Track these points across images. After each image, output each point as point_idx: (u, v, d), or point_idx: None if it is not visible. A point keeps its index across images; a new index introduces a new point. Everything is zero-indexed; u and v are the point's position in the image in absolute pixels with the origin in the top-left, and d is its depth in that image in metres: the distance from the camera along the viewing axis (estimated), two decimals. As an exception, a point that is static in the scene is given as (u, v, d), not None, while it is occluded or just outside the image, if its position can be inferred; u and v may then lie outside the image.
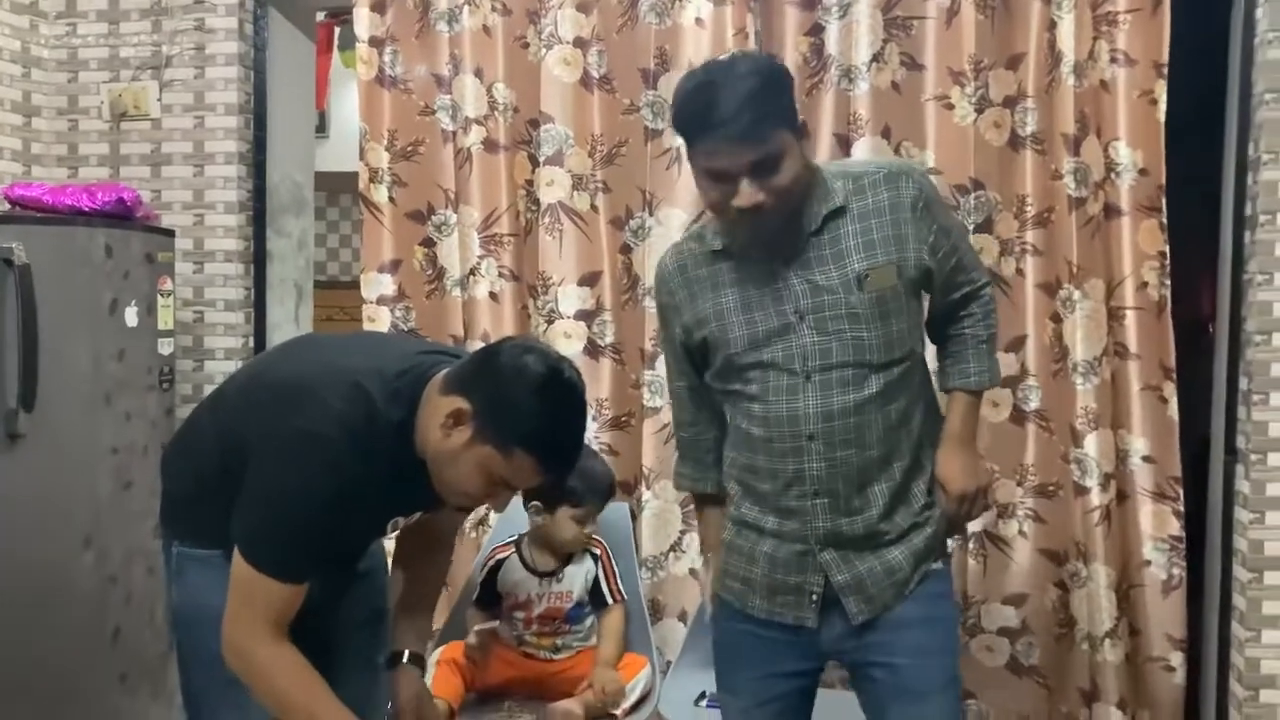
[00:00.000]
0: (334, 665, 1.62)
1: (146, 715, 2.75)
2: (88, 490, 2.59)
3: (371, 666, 1.81)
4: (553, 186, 2.84)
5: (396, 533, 1.79)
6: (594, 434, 2.78)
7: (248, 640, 1.52)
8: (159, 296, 2.78)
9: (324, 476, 1.47)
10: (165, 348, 2.82)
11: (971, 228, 2.68)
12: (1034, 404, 2.68)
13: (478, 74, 2.88)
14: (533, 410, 1.48)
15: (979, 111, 2.66)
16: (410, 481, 1.56)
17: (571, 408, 1.55)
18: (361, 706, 1.61)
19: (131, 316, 2.69)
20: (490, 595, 2.48)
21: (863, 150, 2.71)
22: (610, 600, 2.47)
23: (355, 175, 2.97)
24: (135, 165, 3.16)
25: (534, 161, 2.86)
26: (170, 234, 2.92)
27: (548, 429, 1.50)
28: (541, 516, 2.45)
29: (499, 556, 2.51)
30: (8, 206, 2.68)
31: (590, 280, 2.85)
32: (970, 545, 2.69)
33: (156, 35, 3.14)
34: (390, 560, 1.88)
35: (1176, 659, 2.60)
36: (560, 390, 1.51)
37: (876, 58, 2.71)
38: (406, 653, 1.78)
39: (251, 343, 3.13)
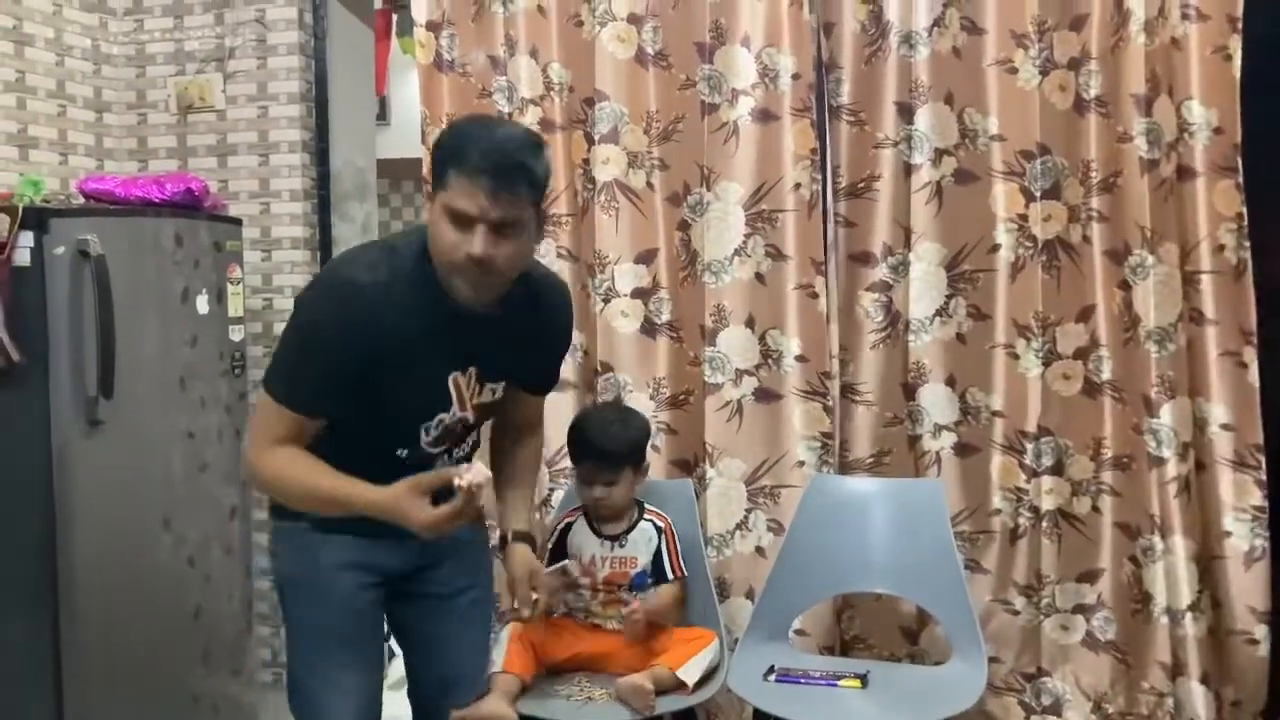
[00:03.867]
0: (440, 635, 1.90)
1: (226, 691, 2.83)
2: (165, 474, 2.66)
3: (475, 638, 1.95)
4: (608, 164, 2.83)
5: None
6: (652, 413, 2.78)
7: (257, 457, 1.69)
8: (228, 284, 2.83)
9: (333, 308, 1.63)
10: (236, 334, 2.89)
11: (1038, 194, 2.63)
12: (1106, 375, 2.61)
13: (533, 54, 2.88)
14: (450, 138, 1.63)
15: (1043, 75, 2.60)
16: (445, 334, 1.66)
17: (481, 123, 1.73)
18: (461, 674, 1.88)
19: (202, 304, 2.75)
20: (558, 559, 2.50)
21: (925, 118, 2.66)
22: (670, 575, 2.47)
23: (417, 161, 2.99)
24: (202, 156, 3.23)
25: (590, 140, 2.85)
26: (238, 222, 2.98)
27: (462, 142, 1.59)
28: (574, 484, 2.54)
29: (567, 520, 2.53)
30: (82, 200, 2.75)
31: (646, 258, 2.85)
32: (1044, 523, 2.64)
33: (219, 28, 3.20)
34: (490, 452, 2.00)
35: (1260, 632, 2.53)
36: (473, 117, 1.70)
37: (937, 23, 2.66)
38: (511, 532, 1.87)
39: (319, 328, 3.18)
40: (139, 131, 3.29)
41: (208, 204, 2.83)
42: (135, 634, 2.59)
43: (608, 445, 2.48)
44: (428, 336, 1.65)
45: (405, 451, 1.75)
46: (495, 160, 1.55)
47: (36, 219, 2.44)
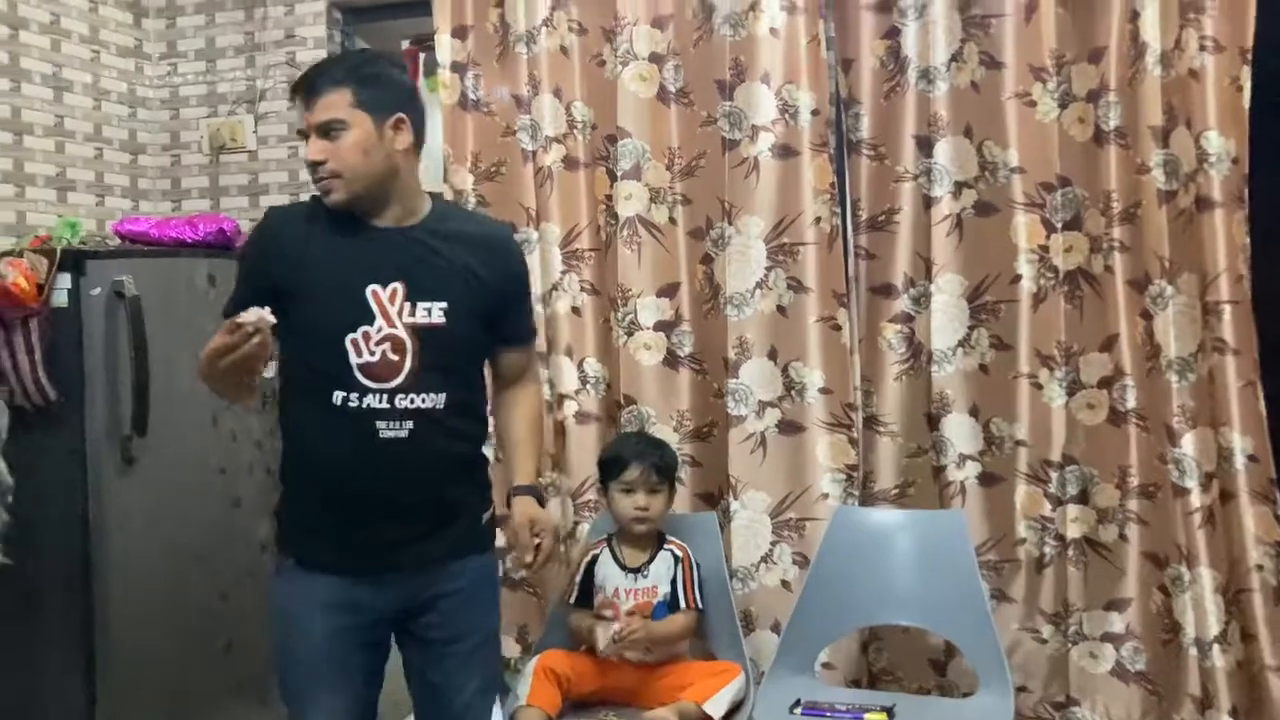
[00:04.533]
0: (440, 683, 1.94)
1: (258, 723, 2.87)
2: (197, 509, 2.71)
3: (476, 686, 1.97)
4: (631, 200, 2.87)
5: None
6: (676, 444, 2.80)
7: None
8: (260, 322, 2.89)
9: (255, 233, 1.97)
10: (268, 370, 2.93)
11: (1059, 225, 2.64)
12: (1130, 403, 2.61)
13: (556, 93, 2.93)
14: None
15: (1062, 107, 2.62)
16: (361, 251, 1.84)
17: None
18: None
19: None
20: (587, 593, 2.53)
21: (945, 151, 2.69)
22: (683, 604, 2.48)
23: (440, 196, 3.05)
24: (234, 196, 3.31)
25: (612, 176, 2.90)
26: (268, 261, 3.04)
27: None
28: (603, 500, 2.57)
29: (593, 552, 2.56)
30: (118, 241, 2.82)
31: (669, 291, 2.88)
32: (1070, 551, 2.64)
33: (250, 71, 3.29)
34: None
35: (1292, 666, 2.51)
36: None
37: (955, 57, 2.69)
38: (512, 487, 1.96)
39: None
40: (173, 172, 3.37)
41: (239, 243, 2.89)
42: (168, 667, 2.63)
43: (652, 452, 2.56)
44: (338, 252, 1.84)
45: (354, 396, 1.80)
46: (304, 77, 1.87)
47: (74, 261, 2.51)
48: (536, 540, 1.90)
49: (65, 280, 2.50)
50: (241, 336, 1.67)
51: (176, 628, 2.64)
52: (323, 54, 3.21)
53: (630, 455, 2.55)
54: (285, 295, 1.81)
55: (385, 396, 1.82)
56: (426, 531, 1.89)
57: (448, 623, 1.93)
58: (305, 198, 3.15)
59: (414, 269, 1.84)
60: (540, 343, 2.94)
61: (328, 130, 1.80)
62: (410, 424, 1.83)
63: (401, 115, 1.85)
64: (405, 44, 3.75)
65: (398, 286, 1.82)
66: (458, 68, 3.00)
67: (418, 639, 1.94)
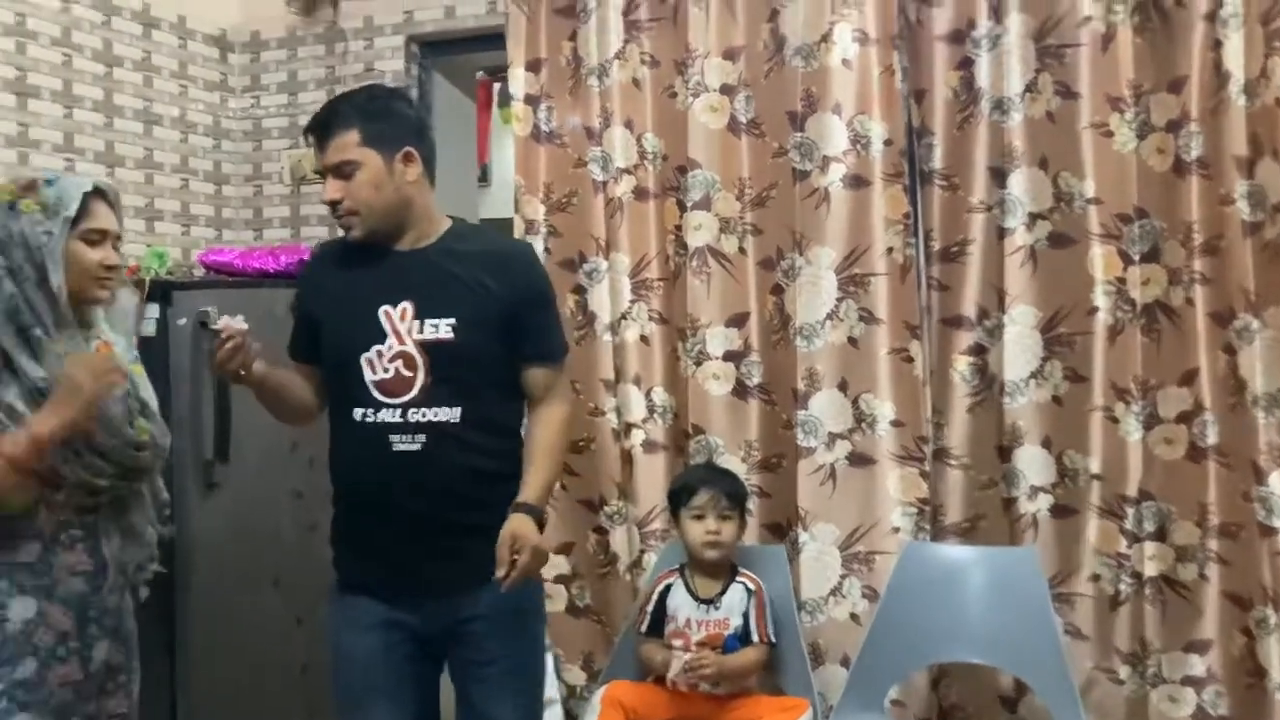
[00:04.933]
0: (476, 705, 1.98)
1: (331, 745, 2.92)
2: (275, 533, 2.78)
3: (507, 711, 1.99)
4: (700, 230, 2.89)
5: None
6: (744, 475, 2.80)
7: None
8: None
9: (298, 276, 2.19)
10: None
11: (1137, 257, 2.60)
12: (1211, 439, 2.55)
13: (628, 125, 2.96)
14: None
15: (1140, 138, 2.58)
16: (374, 275, 1.95)
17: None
18: None
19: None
20: (658, 623, 2.53)
21: (1019, 182, 2.66)
22: (755, 638, 2.47)
23: (512, 221, 3.09)
24: (314, 225, 3.39)
25: (682, 207, 2.92)
26: (346, 290, 3.11)
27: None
28: (675, 530, 2.57)
29: (666, 582, 2.56)
30: (203, 271, 2.91)
31: (738, 321, 2.89)
32: (1147, 589, 2.58)
33: (331, 103, 3.36)
34: None
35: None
36: None
37: (1029, 88, 2.66)
38: (514, 504, 1.91)
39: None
40: (255, 202, 3.47)
41: (318, 274, 2.96)
42: (246, 688, 2.70)
43: (721, 479, 2.58)
44: (357, 279, 1.97)
45: (369, 411, 1.91)
46: (313, 123, 1.97)
47: (162, 292, 2.60)
48: (515, 557, 1.85)
49: (154, 310, 2.59)
50: (218, 343, 1.87)
51: (254, 649, 2.71)
52: (400, 87, 3.28)
53: (699, 481, 2.56)
54: (316, 324, 2.02)
55: (398, 411, 1.91)
56: (448, 550, 1.93)
57: (482, 647, 1.96)
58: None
59: (423, 288, 1.93)
60: (608, 371, 2.98)
61: (341, 171, 1.91)
62: (423, 437, 1.90)
63: (409, 149, 1.94)
64: (480, 75, 3.82)
65: (407, 305, 1.92)
66: (531, 100, 3.05)
67: (457, 661, 1.99)
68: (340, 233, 2.01)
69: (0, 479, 1.72)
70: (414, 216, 1.96)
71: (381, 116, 1.94)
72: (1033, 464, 2.67)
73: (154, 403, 2.01)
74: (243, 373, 1.92)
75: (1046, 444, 2.68)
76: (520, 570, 1.84)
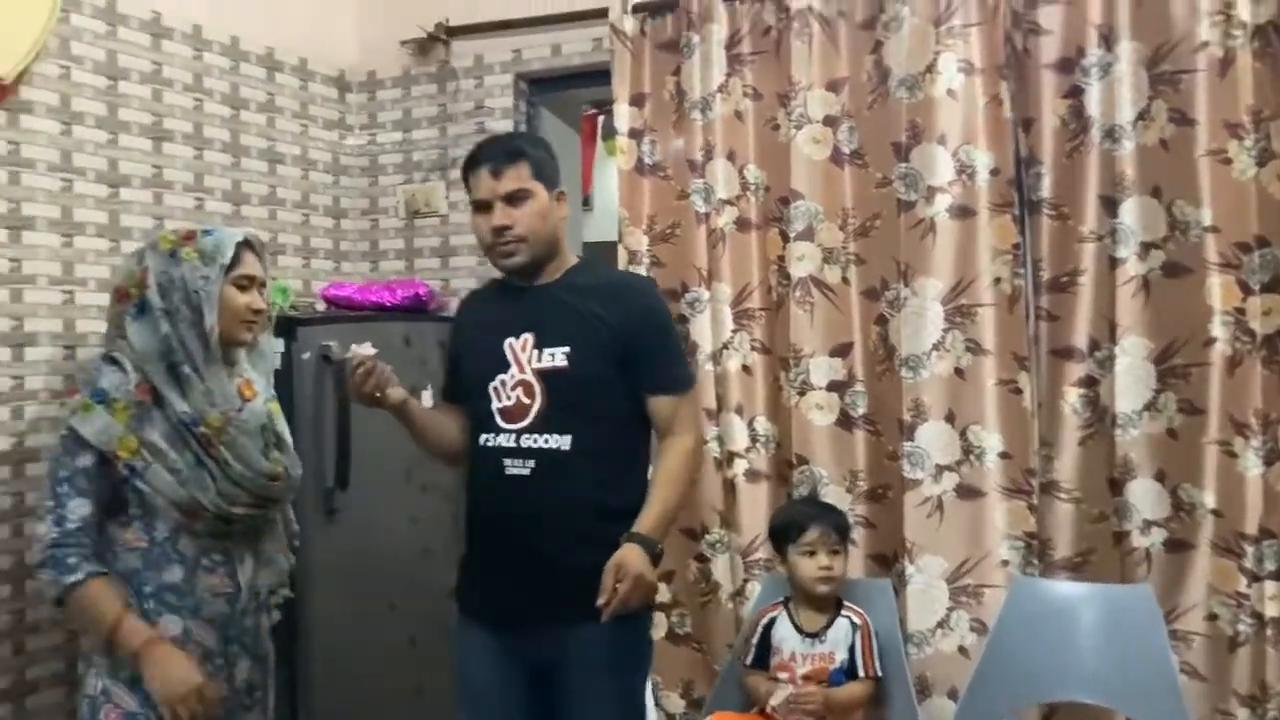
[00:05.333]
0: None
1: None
2: (391, 558, 2.88)
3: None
4: (803, 261, 2.90)
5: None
6: (849, 505, 2.81)
7: None
8: (449, 380, 3.06)
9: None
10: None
11: (1257, 287, 2.52)
12: (1335, 475, 2.46)
13: (730, 157, 3.00)
14: (461, 164, 2.20)
15: (1260, 165, 2.51)
16: (504, 310, 2.11)
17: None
18: None
19: (427, 399, 2.92)
20: (763, 654, 2.55)
21: (1131, 211, 2.61)
22: (862, 673, 2.47)
23: (614, 245, 3.14)
24: (427, 258, 3.51)
25: (785, 237, 2.94)
26: (457, 322, 3.22)
27: (466, 158, 2.16)
28: (782, 566, 2.57)
29: (770, 615, 2.58)
30: (324, 304, 3.04)
31: (842, 351, 2.89)
32: (1268, 631, 2.50)
33: (443, 139, 3.49)
34: None
35: None
36: None
37: (1142, 115, 2.62)
38: (628, 534, 1.96)
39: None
40: (371, 235, 3.61)
41: (433, 306, 3.07)
42: (363, 707, 2.80)
43: (828, 513, 2.59)
44: (491, 314, 2.14)
45: (490, 437, 2.04)
46: (489, 149, 2.10)
47: (286, 326, 2.72)
48: (617, 585, 1.87)
49: (278, 345, 2.70)
50: (351, 370, 2.03)
51: (370, 671, 2.81)
52: (509, 123, 3.39)
53: (807, 518, 2.56)
54: (460, 362, 2.19)
55: (513, 436, 2.02)
56: (551, 580, 1.98)
57: (581, 686, 2.00)
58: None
59: (543, 319, 2.04)
60: (710, 400, 3.01)
61: (514, 198, 2.04)
62: (533, 463, 2.00)
63: (563, 190, 2.14)
64: (585, 109, 3.90)
65: (529, 336, 2.05)
66: (635, 134, 3.11)
67: (566, 690, 2.03)
68: (476, 282, 2.14)
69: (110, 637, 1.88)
70: (556, 252, 2.12)
71: (544, 158, 2.12)
72: (1146, 498, 2.61)
73: (288, 436, 2.14)
74: (378, 395, 2.05)
75: (1160, 477, 2.62)
76: (619, 599, 1.86)
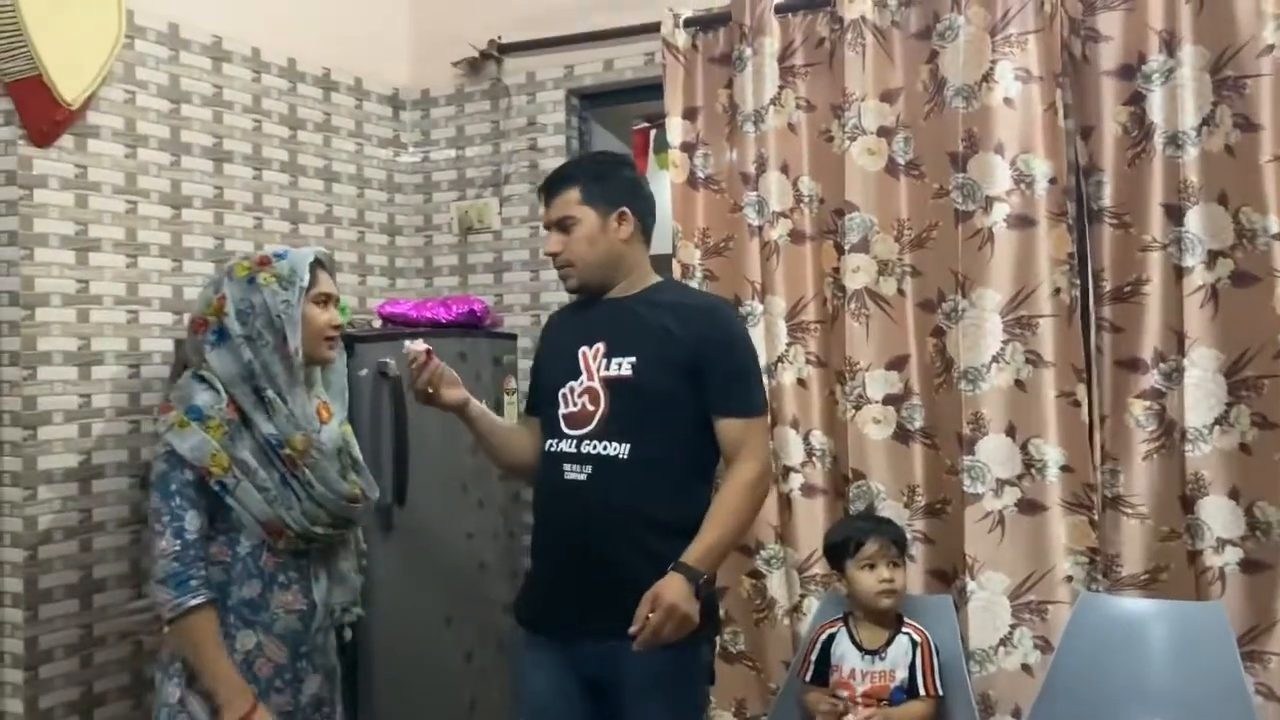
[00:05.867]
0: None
1: (500, 779, 3.01)
2: (447, 573, 2.89)
3: None
4: (858, 273, 2.88)
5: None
6: (907, 520, 2.78)
7: None
8: (505, 395, 3.07)
9: None
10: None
11: (1327, 296, 2.46)
12: None
13: (783, 169, 2.98)
14: None
15: (1331, 170, 2.44)
16: (579, 321, 2.16)
17: None
18: None
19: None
20: (822, 670, 2.52)
21: (1196, 219, 2.56)
22: (923, 691, 2.43)
23: (666, 257, 3.13)
24: (480, 273, 3.53)
25: (839, 249, 2.91)
26: (513, 337, 3.23)
27: None
28: (841, 583, 2.54)
29: (829, 631, 2.55)
30: (380, 322, 3.07)
31: (898, 364, 2.86)
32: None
33: (496, 156, 3.51)
34: None
35: None
36: None
37: (1206, 121, 2.56)
38: (675, 562, 1.92)
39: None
40: (425, 252, 3.64)
41: (488, 321, 3.08)
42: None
43: (887, 527, 2.58)
44: (570, 325, 2.19)
45: (555, 442, 2.08)
46: (544, 182, 2.18)
47: (346, 344, 2.74)
48: (649, 616, 1.85)
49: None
50: (404, 367, 2.11)
51: (427, 686, 2.82)
52: (561, 139, 3.40)
53: (865, 532, 2.54)
54: (539, 370, 2.24)
55: (574, 442, 2.04)
56: (601, 589, 1.97)
57: (629, 706, 2.00)
58: (544, 275, 3.40)
59: (615, 330, 2.07)
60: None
61: (562, 225, 2.10)
62: (590, 469, 2.02)
63: (624, 209, 2.11)
64: (637, 124, 3.91)
65: (600, 345, 2.08)
66: (687, 147, 3.10)
67: (620, 706, 2.02)
68: (529, 298, 2.18)
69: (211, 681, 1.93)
70: (624, 270, 2.13)
71: (602, 179, 2.12)
72: (1219, 515, 2.54)
73: (361, 458, 2.16)
74: (431, 391, 2.10)
75: (1234, 495, 2.55)
76: (650, 630, 1.84)
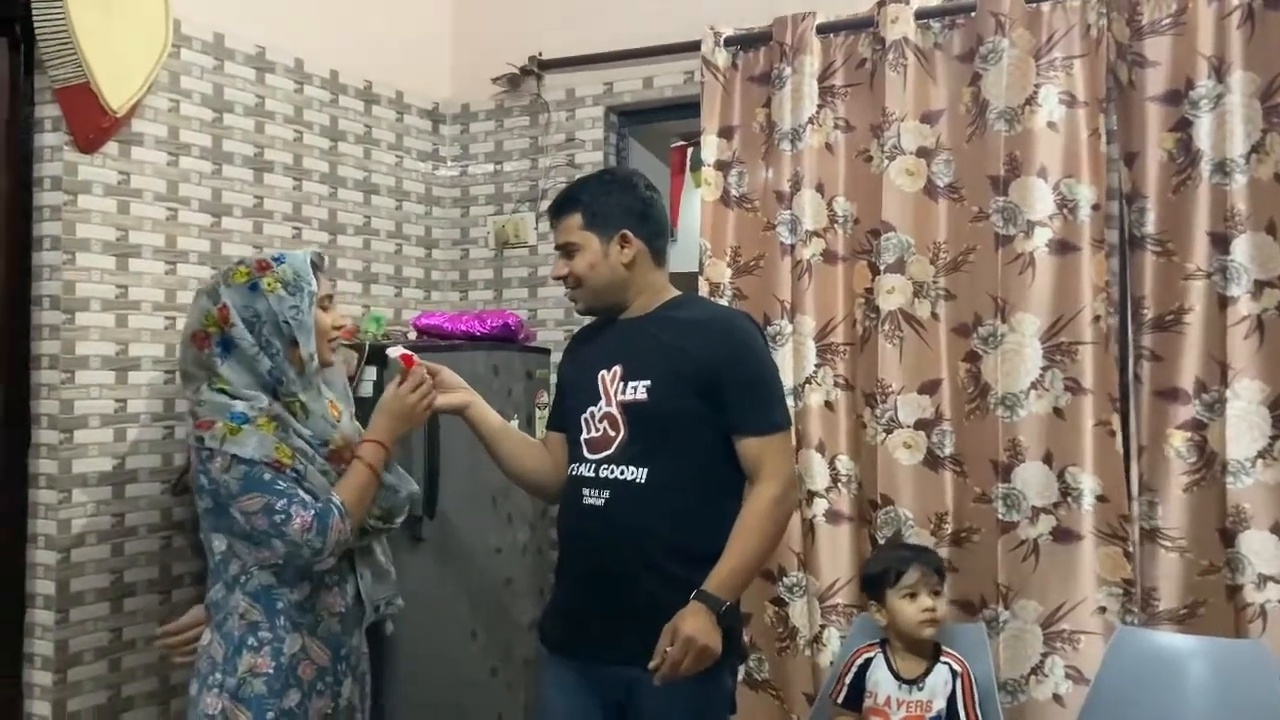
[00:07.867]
0: None
1: (523, 796, 2.99)
2: (475, 587, 2.88)
3: None
4: (893, 294, 2.85)
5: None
6: (934, 547, 2.73)
7: None
8: (536, 409, 3.06)
9: None
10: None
11: (1380, 328, 2.40)
12: None
13: (818, 189, 2.96)
14: None
15: (1382, 200, 2.40)
16: (599, 345, 2.15)
17: None
18: None
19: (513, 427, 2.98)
20: (856, 695, 2.48)
21: (1243, 248, 2.51)
22: (965, 721, 2.39)
23: (695, 275, 3.12)
24: (515, 288, 3.53)
25: (874, 269, 2.88)
26: (545, 352, 3.22)
27: None
28: (880, 614, 2.48)
29: (865, 655, 2.51)
30: (415, 333, 3.07)
31: (930, 388, 2.82)
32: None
33: (533, 172, 3.52)
34: None
35: None
36: None
37: (1255, 149, 2.52)
38: (697, 590, 1.91)
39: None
40: (461, 265, 3.65)
41: (522, 336, 3.08)
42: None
43: (926, 555, 2.53)
44: (590, 347, 2.17)
45: (576, 466, 2.08)
46: (549, 208, 2.20)
47: (378, 355, 2.75)
48: (666, 649, 1.83)
49: (371, 373, 2.74)
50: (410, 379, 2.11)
51: (451, 700, 2.81)
52: (599, 156, 3.41)
53: (905, 561, 2.48)
54: (563, 391, 2.23)
55: (593, 466, 2.04)
56: (619, 614, 1.96)
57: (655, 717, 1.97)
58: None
59: (631, 352, 2.06)
60: (790, 437, 2.94)
61: (566, 250, 2.12)
62: (608, 493, 2.00)
63: (625, 232, 2.09)
64: (676, 141, 3.91)
65: (618, 369, 2.07)
66: (722, 165, 3.09)
67: None
68: (563, 313, 2.17)
69: (369, 486, 1.97)
70: (633, 292, 2.12)
71: (603, 204, 2.11)
72: (1262, 551, 2.48)
73: None
74: (426, 404, 2.12)
75: (1276, 529, 2.49)
76: (669, 664, 1.83)
